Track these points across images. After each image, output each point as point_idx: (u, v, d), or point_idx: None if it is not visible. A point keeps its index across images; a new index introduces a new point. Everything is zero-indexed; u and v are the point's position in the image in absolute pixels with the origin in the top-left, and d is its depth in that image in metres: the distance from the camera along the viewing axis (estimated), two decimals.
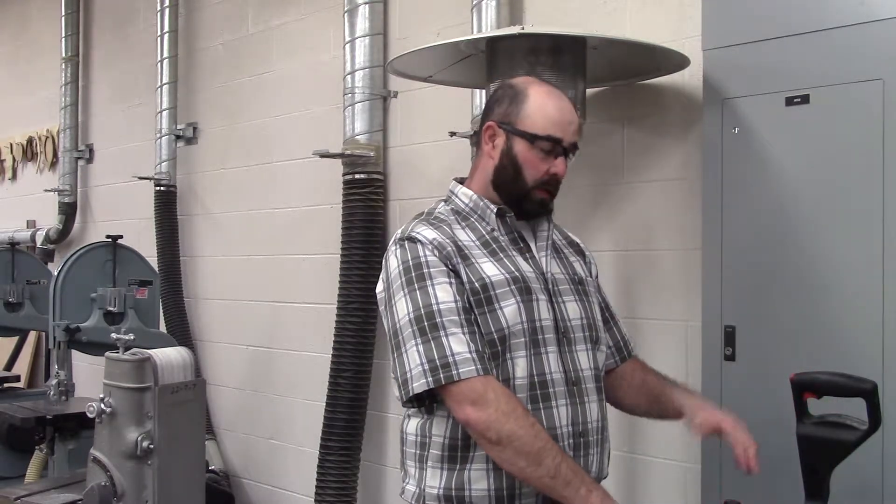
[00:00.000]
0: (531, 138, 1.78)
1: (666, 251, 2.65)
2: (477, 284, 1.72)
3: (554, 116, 1.78)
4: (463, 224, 1.82)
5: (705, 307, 2.27)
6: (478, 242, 1.79)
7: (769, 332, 2.14)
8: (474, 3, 2.91)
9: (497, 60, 2.38)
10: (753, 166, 2.18)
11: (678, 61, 2.42)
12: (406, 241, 1.75)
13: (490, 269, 1.74)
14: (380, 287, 1.81)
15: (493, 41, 2.39)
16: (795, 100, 2.09)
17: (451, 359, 1.65)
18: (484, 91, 2.51)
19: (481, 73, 2.48)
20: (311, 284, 3.82)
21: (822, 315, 2.06)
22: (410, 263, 1.72)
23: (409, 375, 1.68)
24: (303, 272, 3.88)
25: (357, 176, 3.39)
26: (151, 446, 2.79)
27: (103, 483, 2.77)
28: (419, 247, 1.73)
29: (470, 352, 1.65)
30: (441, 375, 1.65)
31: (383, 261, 1.81)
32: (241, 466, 4.24)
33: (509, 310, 1.72)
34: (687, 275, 2.55)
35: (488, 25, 2.87)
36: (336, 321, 3.40)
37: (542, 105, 1.79)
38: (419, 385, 1.67)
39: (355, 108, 3.41)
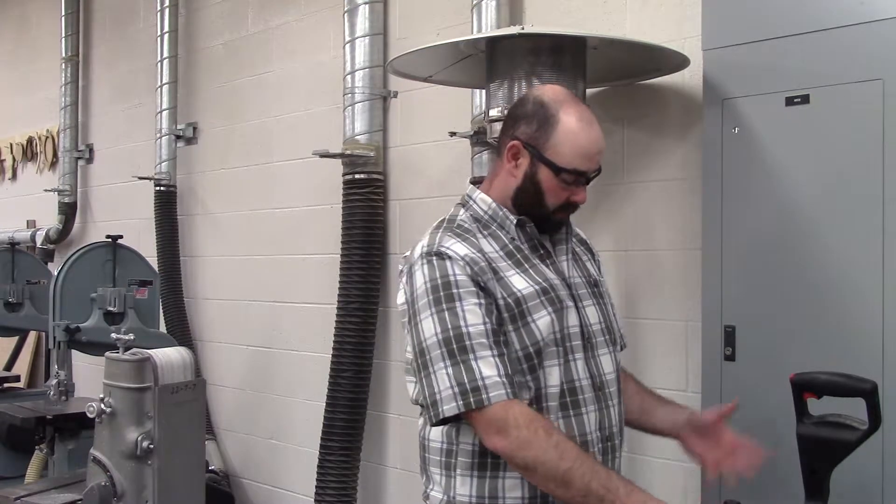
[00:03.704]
0: (557, 169, 1.74)
1: (666, 251, 2.65)
2: (511, 300, 1.69)
3: (582, 149, 1.74)
4: (485, 232, 1.79)
5: (705, 307, 2.27)
6: (502, 253, 1.76)
7: (769, 332, 2.14)
8: (474, 3, 2.91)
9: (497, 60, 2.38)
10: (753, 166, 2.18)
11: (678, 61, 2.42)
12: (434, 258, 1.70)
13: (519, 283, 1.72)
14: (401, 299, 1.77)
15: (493, 41, 2.39)
16: (795, 100, 2.10)
17: (480, 382, 1.62)
18: (484, 91, 2.51)
19: (481, 73, 2.48)
20: (311, 284, 3.82)
21: (822, 315, 2.06)
22: (439, 282, 1.68)
23: (438, 398, 1.65)
24: (303, 272, 3.88)
25: (357, 176, 3.39)
26: (151, 446, 2.79)
27: (103, 483, 2.77)
28: (448, 264, 1.69)
29: (499, 375, 1.63)
30: (472, 399, 1.62)
31: (406, 272, 1.76)
32: (241, 466, 4.24)
33: (542, 322, 1.71)
34: (687, 275, 2.55)
35: (488, 25, 2.87)
36: (336, 321, 3.40)
37: (572, 136, 1.73)
38: (450, 408, 1.64)
39: (355, 108, 3.41)
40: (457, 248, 1.71)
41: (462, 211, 1.85)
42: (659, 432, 2.01)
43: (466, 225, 1.79)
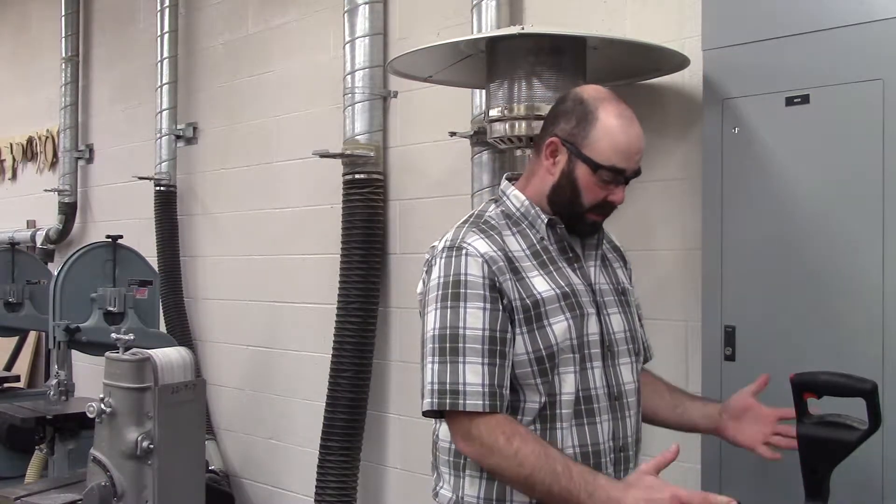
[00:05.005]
0: (594, 166, 1.72)
1: (666, 251, 2.65)
2: (528, 301, 1.68)
3: (621, 146, 1.72)
4: (514, 229, 1.77)
5: (705, 307, 2.27)
6: (528, 252, 1.74)
7: (769, 332, 2.14)
8: (474, 3, 2.91)
9: (497, 60, 2.38)
10: (753, 166, 2.18)
11: (678, 61, 2.42)
12: (454, 252, 1.70)
13: (541, 285, 1.71)
14: (420, 288, 1.79)
15: (493, 41, 2.39)
16: (795, 100, 2.09)
17: (461, 387, 1.63)
18: (484, 91, 2.51)
19: (481, 73, 2.48)
20: (311, 284, 3.82)
21: (822, 315, 2.06)
22: (451, 279, 1.68)
23: (423, 391, 1.68)
24: (303, 272, 3.88)
25: (357, 176, 3.39)
26: (151, 446, 2.79)
27: (103, 483, 2.77)
28: (464, 261, 1.68)
29: (482, 385, 1.63)
30: (447, 401, 1.63)
31: (428, 263, 1.77)
32: (241, 466, 4.24)
33: (558, 327, 1.69)
34: (687, 275, 2.54)
35: (488, 25, 2.87)
36: (336, 321, 3.40)
37: (611, 132, 1.71)
38: (426, 403, 1.66)
39: (355, 108, 3.41)
40: (478, 244, 1.70)
41: (493, 206, 1.83)
42: (695, 428, 2.00)
43: (493, 221, 1.78)
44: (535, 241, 1.77)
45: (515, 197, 1.82)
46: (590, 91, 1.79)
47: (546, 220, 1.78)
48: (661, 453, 1.59)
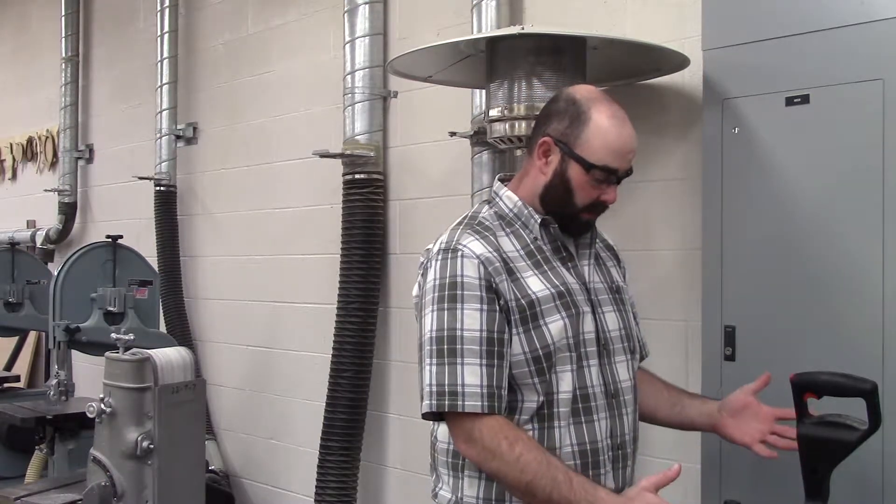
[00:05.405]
0: (587, 166, 1.72)
1: (666, 251, 2.65)
2: (523, 302, 1.69)
3: (614, 146, 1.72)
4: (508, 230, 1.78)
5: (705, 307, 2.27)
6: (522, 252, 1.75)
7: (769, 332, 2.14)
8: (474, 3, 2.91)
9: (497, 60, 2.38)
10: (753, 166, 2.18)
11: (678, 61, 2.42)
12: (449, 254, 1.70)
13: (535, 285, 1.71)
14: (415, 291, 1.79)
15: (493, 41, 2.39)
16: (795, 100, 2.09)
17: (459, 389, 1.63)
18: (484, 91, 2.51)
19: (481, 73, 2.48)
20: (311, 284, 3.82)
21: (822, 315, 2.06)
22: (447, 281, 1.68)
23: (422, 393, 1.68)
24: (303, 272, 3.88)
25: (357, 176, 3.39)
26: (151, 446, 2.79)
27: (103, 483, 2.77)
28: (460, 263, 1.68)
29: (481, 386, 1.63)
30: (446, 402, 1.64)
31: (423, 266, 1.77)
32: (241, 466, 4.24)
33: (554, 326, 1.70)
34: (687, 275, 2.55)
35: (488, 25, 2.87)
36: (336, 321, 3.40)
37: (604, 132, 1.72)
38: (426, 405, 1.67)
39: (355, 108, 3.41)
40: (473, 246, 1.70)
41: (486, 208, 1.84)
42: (693, 426, 2.00)
43: (487, 223, 1.78)
44: (528, 242, 1.77)
45: (508, 198, 1.82)
46: (582, 91, 1.80)
47: (539, 220, 1.78)
48: (662, 472, 1.59)
